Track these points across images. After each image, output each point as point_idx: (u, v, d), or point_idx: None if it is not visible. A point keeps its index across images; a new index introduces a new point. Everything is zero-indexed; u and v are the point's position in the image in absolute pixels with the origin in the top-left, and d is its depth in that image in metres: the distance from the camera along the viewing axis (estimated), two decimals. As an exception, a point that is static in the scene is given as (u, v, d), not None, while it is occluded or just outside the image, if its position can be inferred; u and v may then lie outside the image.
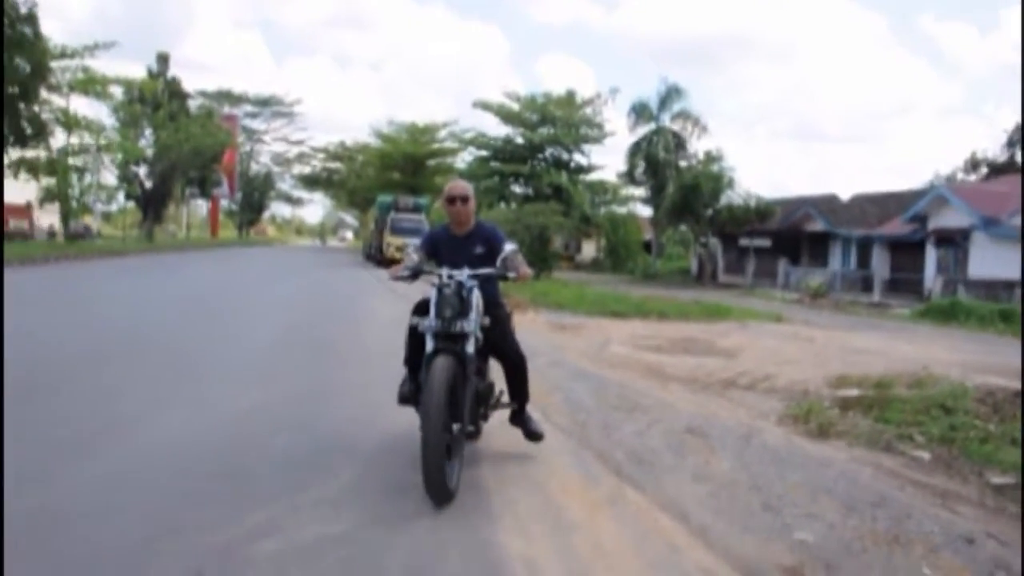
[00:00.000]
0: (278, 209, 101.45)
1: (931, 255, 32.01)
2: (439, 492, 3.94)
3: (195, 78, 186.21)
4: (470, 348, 4.36)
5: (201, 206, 74.83)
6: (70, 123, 32.38)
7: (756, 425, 6.34)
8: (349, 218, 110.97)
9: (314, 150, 74.05)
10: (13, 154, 28.84)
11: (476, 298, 4.46)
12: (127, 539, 3.38)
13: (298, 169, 78.46)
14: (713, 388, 8.08)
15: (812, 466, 5.14)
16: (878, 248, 35.36)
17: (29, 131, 26.15)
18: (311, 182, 76.39)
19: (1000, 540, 3.94)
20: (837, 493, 4.56)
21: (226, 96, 73.13)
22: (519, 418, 5.03)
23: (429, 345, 4.33)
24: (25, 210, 35.28)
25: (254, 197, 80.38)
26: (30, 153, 29.09)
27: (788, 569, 3.47)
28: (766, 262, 38.23)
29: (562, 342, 11.29)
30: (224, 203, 75.57)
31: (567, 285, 23.69)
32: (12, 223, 34.03)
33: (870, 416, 6.77)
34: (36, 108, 26.58)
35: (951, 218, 30.72)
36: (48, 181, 34.30)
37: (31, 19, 24.76)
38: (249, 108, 76.16)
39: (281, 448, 4.95)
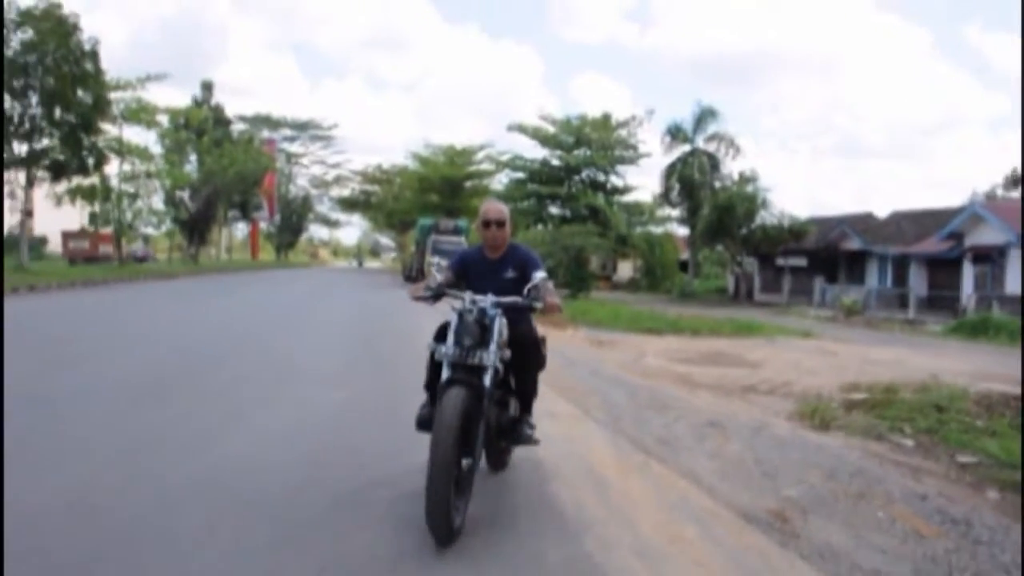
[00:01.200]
0: (315, 231, 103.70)
1: (968, 272, 32.74)
2: (441, 529, 3.76)
3: (230, 102, 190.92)
4: (488, 381, 4.17)
5: (240, 229, 77.16)
6: (123, 151, 34.31)
7: (768, 420, 7.51)
8: (385, 239, 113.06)
9: (353, 173, 76.15)
10: (65, 183, 30.59)
11: (499, 327, 4.28)
12: (281, 487, 4.66)
13: (336, 191, 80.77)
14: (735, 393, 9.24)
15: (809, 449, 6.31)
16: (915, 266, 36.09)
17: (90, 160, 27.99)
18: (349, 204, 78.48)
19: (948, 498, 5.08)
20: (824, 467, 5.73)
21: (264, 120, 75.69)
22: (517, 420, 4.78)
23: (445, 373, 4.19)
24: (108, 237, 37.65)
25: (292, 219, 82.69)
26: (85, 180, 30.90)
27: (772, 511, 4.66)
28: (802, 280, 39.13)
29: (600, 355, 12.49)
30: (263, 225, 77.89)
31: (604, 304, 24.87)
32: (101, 248, 37.42)
33: (871, 414, 7.89)
34: (95, 139, 28.38)
35: (987, 235, 31.47)
36: (100, 207, 36.40)
37: (93, 56, 26.70)
38: (287, 132, 78.74)
39: (373, 432, 6.21)
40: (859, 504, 4.87)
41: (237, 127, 62.11)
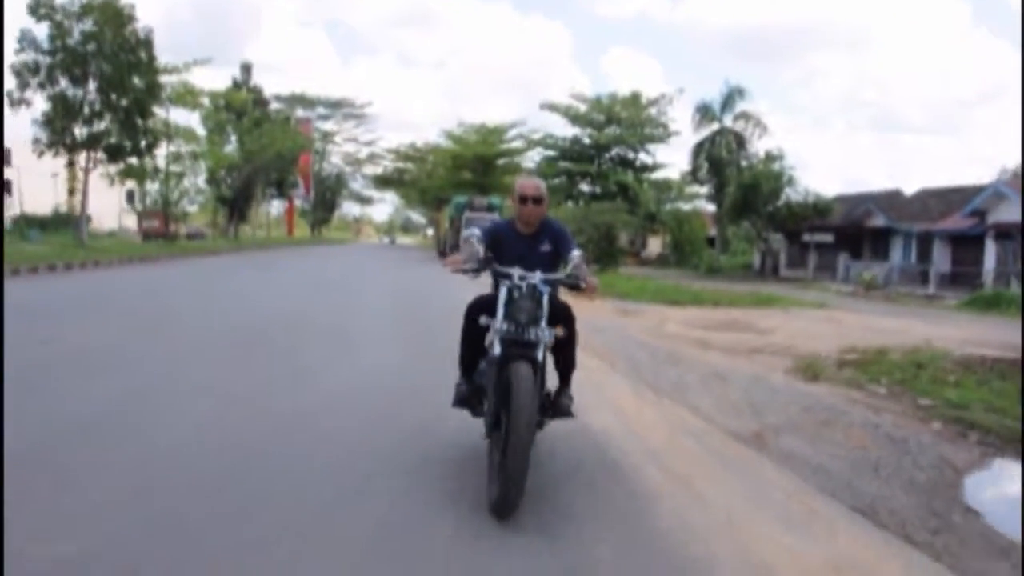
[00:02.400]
0: (348, 208, 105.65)
1: (990, 249, 33.59)
2: (513, 504, 3.88)
3: (262, 79, 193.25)
4: (541, 355, 4.23)
5: (275, 206, 79.13)
6: (171, 133, 35.99)
7: (766, 374, 8.88)
8: (417, 216, 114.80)
9: (386, 151, 77.68)
10: (120, 164, 32.30)
11: (547, 303, 4.30)
12: (361, 422, 6.10)
13: (369, 169, 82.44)
14: (743, 353, 10.60)
15: (795, 394, 7.68)
16: (938, 242, 36.94)
17: (143, 144, 29.67)
18: (383, 182, 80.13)
19: (897, 427, 6.44)
20: (803, 405, 7.11)
21: (299, 100, 77.27)
22: (558, 394, 4.76)
23: (497, 349, 4.20)
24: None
25: (326, 197, 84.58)
26: (138, 162, 32.61)
27: (753, 431, 6.07)
28: (827, 257, 40.13)
29: (625, 323, 13.88)
30: (298, 203, 79.79)
31: (632, 279, 26.18)
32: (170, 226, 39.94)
33: (857, 370, 9.22)
34: (149, 122, 30.03)
35: (1009, 212, 32.26)
36: (148, 186, 38.32)
37: (147, 44, 28.29)
38: (322, 111, 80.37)
39: (427, 382, 7.60)
40: (823, 429, 6.26)
41: (274, 107, 63.76)
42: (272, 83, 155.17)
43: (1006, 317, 20.26)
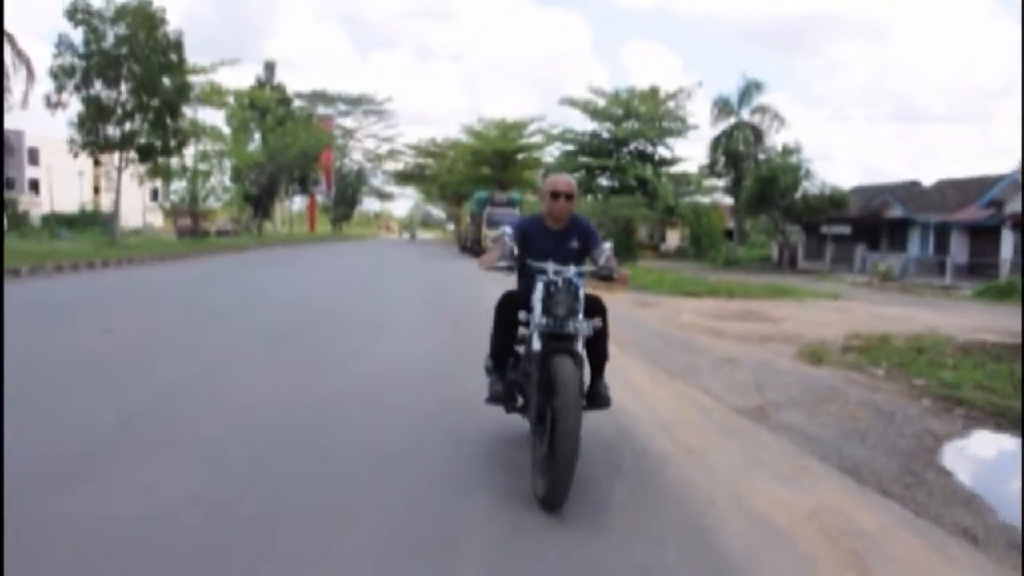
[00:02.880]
0: (368, 204, 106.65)
1: (1007, 239, 33.88)
2: (562, 497, 3.96)
3: (280, 74, 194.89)
4: (579, 348, 4.31)
5: (296, 202, 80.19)
6: (198, 132, 36.92)
7: (774, 359, 9.49)
8: (436, 211, 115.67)
9: (406, 147, 78.49)
10: (151, 164, 33.21)
11: (583, 296, 4.39)
12: (401, 397, 6.79)
13: (390, 165, 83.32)
14: (754, 341, 11.21)
15: (798, 376, 8.30)
16: (956, 233, 37.23)
17: (173, 143, 30.57)
18: (404, 177, 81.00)
19: (889, 403, 7.05)
20: (805, 385, 7.73)
21: (320, 96, 78.21)
22: (594, 387, 4.81)
23: (536, 344, 4.26)
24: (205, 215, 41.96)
25: (347, 193, 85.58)
26: (169, 161, 33.58)
27: (756, 407, 6.71)
28: (845, 248, 40.50)
29: (642, 313, 14.51)
30: (319, 199, 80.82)
31: (650, 271, 26.75)
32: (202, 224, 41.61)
33: (860, 355, 9.82)
34: (179, 122, 30.93)
35: (1025, 203, 32.56)
36: (177, 184, 39.33)
37: (178, 46, 29.16)
38: (342, 107, 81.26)
39: (456, 365, 8.27)
40: (820, 404, 6.89)
41: (295, 104, 64.68)
42: (291, 79, 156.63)
43: (1019, 306, 20.71)
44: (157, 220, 65.01)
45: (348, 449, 4.98)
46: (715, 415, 6.45)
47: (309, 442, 5.11)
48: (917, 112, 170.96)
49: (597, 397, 4.74)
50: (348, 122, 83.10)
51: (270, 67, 53.57)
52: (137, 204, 62.29)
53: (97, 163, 46.17)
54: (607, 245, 4.86)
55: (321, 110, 75.37)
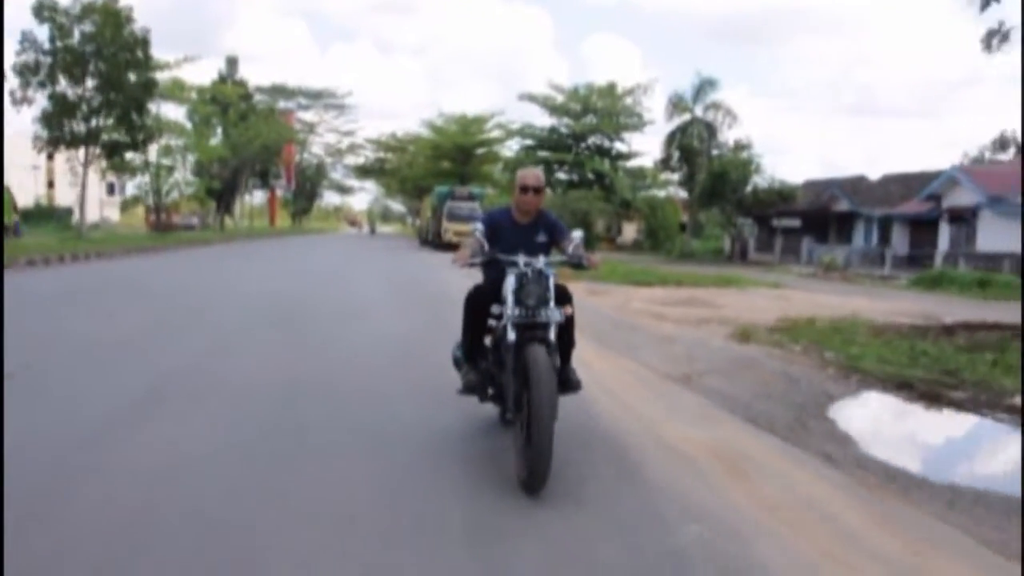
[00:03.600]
0: (328, 198, 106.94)
1: (944, 231, 35.80)
2: (542, 480, 4.10)
3: (240, 68, 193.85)
4: (552, 336, 4.46)
5: (257, 196, 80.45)
6: (161, 128, 37.48)
7: (708, 338, 10.75)
8: (396, 205, 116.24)
9: (367, 141, 79.15)
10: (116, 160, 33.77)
11: (553, 286, 4.56)
12: (386, 364, 7.92)
13: (350, 159, 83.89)
14: (693, 323, 12.47)
15: (727, 351, 9.56)
16: (898, 226, 39.14)
17: (140, 139, 31.23)
18: (364, 172, 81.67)
19: (799, 372, 8.32)
20: (730, 358, 8.99)
21: (281, 90, 78.47)
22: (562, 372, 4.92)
23: (511, 335, 4.43)
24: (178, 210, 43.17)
25: (307, 187, 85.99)
26: (135, 157, 34.18)
27: (684, 374, 7.94)
28: (794, 241, 42.28)
29: (594, 301, 15.73)
30: (279, 193, 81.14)
31: (606, 263, 27.99)
32: (174, 219, 43.31)
33: (785, 334, 11.11)
34: (145, 119, 31.55)
35: (962, 197, 34.45)
36: (140, 179, 39.89)
37: (144, 43, 29.80)
38: (303, 101, 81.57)
39: (430, 342, 9.43)
40: (739, 372, 8.15)
41: (256, 98, 65.06)
42: (250, 73, 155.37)
43: (946, 294, 22.32)
44: (114, 214, 65.11)
45: (352, 397, 6.19)
46: (648, 380, 7.67)
47: (315, 396, 6.26)
48: (876, 106, 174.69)
49: (567, 382, 4.91)
50: (309, 116, 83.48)
51: (232, 62, 54.14)
52: (94, 198, 62.35)
53: (51, 157, 46.42)
54: (577, 233, 5.07)
55: (282, 104, 75.73)
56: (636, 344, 10.01)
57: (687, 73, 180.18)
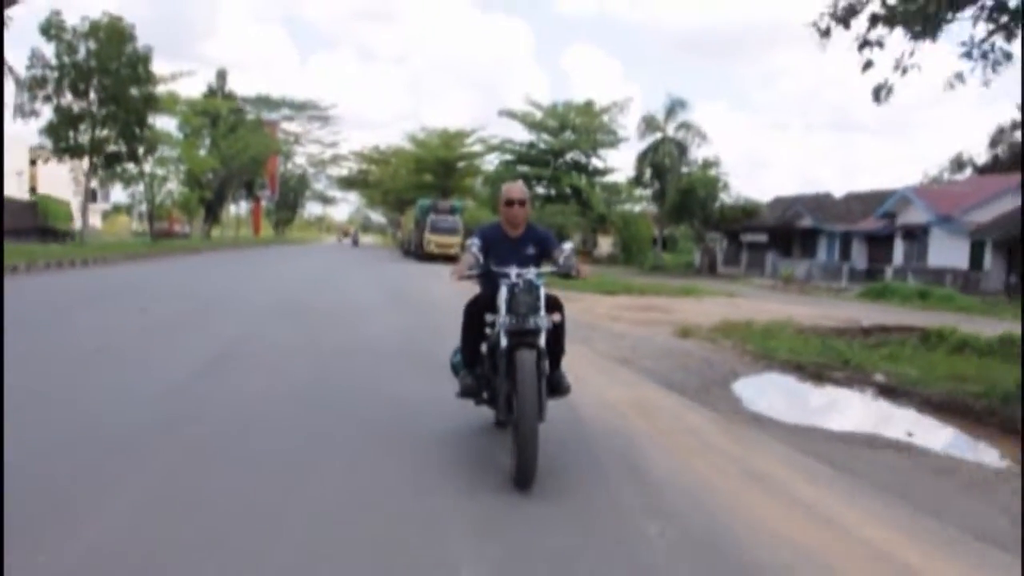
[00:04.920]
0: (311, 208, 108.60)
1: (899, 247, 38.28)
2: (530, 475, 4.37)
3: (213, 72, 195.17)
4: (542, 342, 4.74)
5: (241, 206, 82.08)
6: (159, 140, 39.27)
7: (654, 335, 12.83)
8: (376, 216, 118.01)
9: (351, 153, 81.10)
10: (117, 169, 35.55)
11: (543, 295, 4.82)
12: (391, 350, 9.92)
13: (334, 171, 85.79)
14: (645, 324, 14.56)
15: (666, 344, 11.63)
16: (856, 242, 41.62)
17: (141, 150, 33.09)
18: (347, 183, 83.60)
19: (720, 358, 10.39)
20: (667, 348, 11.06)
21: (265, 101, 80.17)
22: (553, 376, 5.20)
23: (504, 341, 4.70)
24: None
25: (290, 197, 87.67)
26: (135, 168, 35.98)
27: (626, 358, 10.00)
28: (760, 255, 44.69)
29: (564, 306, 17.76)
30: (263, 203, 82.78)
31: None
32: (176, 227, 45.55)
33: (719, 333, 13.19)
34: (146, 131, 33.39)
35: (915, 216, 36.95)
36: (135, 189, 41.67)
37: (145, 60, 31.70)
38: (287, 112, 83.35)
39: (426, 334, 11.45)
40: (670, 357, 10.22)
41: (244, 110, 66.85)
42: (232, 81, 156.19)
43: (890, 304, 24.58)
44: (96, 221, 66.57)
45: (367, 366, 8.12)
46: (597, 362, 9.72)
47: (341, 363, 8.24)
48: (850, 123, 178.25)
49: (556, 386, 5.23)
50: (293, 127, 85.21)
51: (222, 75, 56.04)
52: (75, 205, 63.83)
53: (33, 163, 48.25)
54: (567, 245, 5.42)
55: (267, 115, 77.45)
56: (593, 338, 12.04)
57: (667, 85, 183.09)
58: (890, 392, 8.49)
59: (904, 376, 8.99)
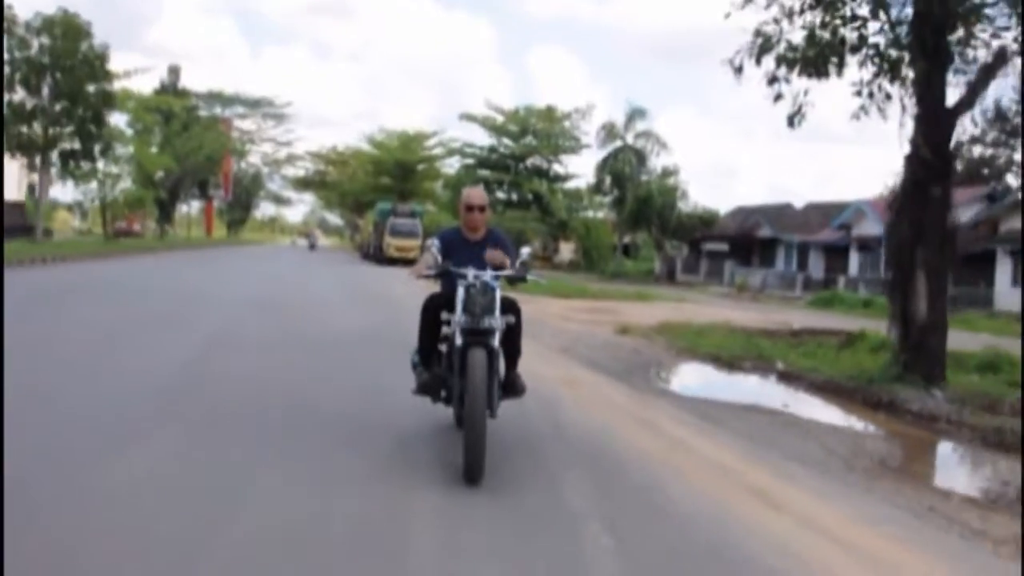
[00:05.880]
0: (264, 208, 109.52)
1: (854, 258, 40.75)
2: (479, 470, 4.73)
3: (165, 66, 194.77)
4: (496, 342, 5.02)
5: (193, 206, 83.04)
6: (113, 137, 40.55)
7: (596, 331, 14.73)
8: (333, 218, 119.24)
9: (308, 153, 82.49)
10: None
11: (499, 296, 5.09)
12: (359, 338, 11.70)
13: (289, 171, 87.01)
14: (590, 323, 16.47)
15: (604, 339, 13.54)
16: (814, 252, 44.10)
17: (99, 148, 34.45)
18: (303, 184, 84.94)
19: (650, 350, 12.31)
20: (604, 342, 12.97)
21: (217, 97, 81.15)
22: (508, 377, 5.56)
23: (459, 340, 5.00)
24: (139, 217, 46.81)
25: (243, 197, 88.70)
26: (88, 165, 37.26)
27: (564, 348, 11.89)
28: (720, 263, 47.06)
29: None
30: (216, 203, 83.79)
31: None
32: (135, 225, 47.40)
33: (656, 332, 15.13)
34: (103, 129, 34.74)
35: (869, 227, 39.38)
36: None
37: (102, 58, 33.09)
38: (240, 109, 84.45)
39: (385, 331, 13.20)
40: (605, 349, 12.13)
41: (194, 103, 67.88)
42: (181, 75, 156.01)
43: (835, 312, 26.79)
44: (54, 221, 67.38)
45: (339, 354, 9.88)
46: (541, 352, 11.55)
47: (316, 352, 9.98)
48: (822, 132, 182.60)
49: (511, 386, 5.55)
50: (246, 124, 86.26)
51: (174, 71, 57.33)
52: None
53: (46, 169, 49.24)
54: (526, 250, 5.71)
55: (219, 111, 78.53)
56: (541, 334, 13.89)
57: (634, 89, 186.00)
58: (786, 377, 10.50)
59: (800, 365, 10.99)
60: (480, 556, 3.76)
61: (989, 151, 52.22)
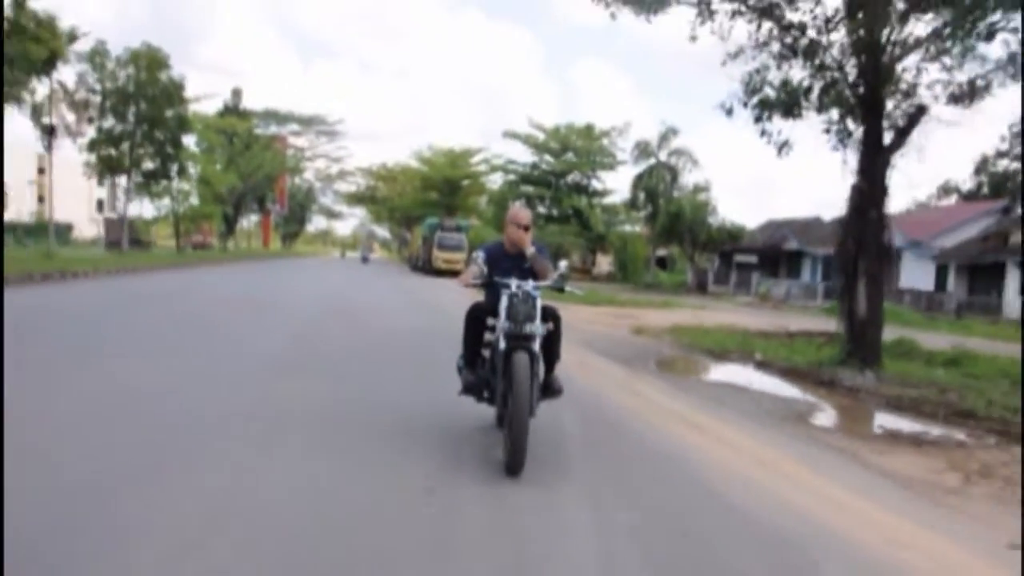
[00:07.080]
0: (316, 222, 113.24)
1: (876, 270, 42.47)
2: (520, 464, 5.10)
3: (218, 82, 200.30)
4: (536, 347, 5.41)
5: (251, 220, 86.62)
6: (187, 158, 43.81)
7: (615, 331, 17.09)
8: (382, 232, 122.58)
9: (359, 170, 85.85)
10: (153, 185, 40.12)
11: (540, 305, 5.47)
12: (412, 335, 14.20)
13: (341, 186, 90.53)
14: (611, 325, 18.82)
15: (621, 337, 15.91)
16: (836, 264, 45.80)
17: (175, 169, 37.67)
18: (355, 199, 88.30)
19: (658, 346, 14.66)
20: (618, 339, 15.36)
21: (273, 115, 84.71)
22: (547, 379, 5.96)
23: (502, 344, 5.36)
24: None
25: (297, 211, 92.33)
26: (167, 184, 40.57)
27: (585, 342, 14.31)
28: (749, 275, 49.03)
29: (552, 312, 22.10)
30: (272, 217, 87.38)
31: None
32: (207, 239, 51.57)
33: (668, 333, 17.45)
34: (180, 151, 37.96)
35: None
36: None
37: (179, 86, 36.29)
38: (294, 127, 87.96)
39: (436, 326, 15.66)
40: (618, 344, 14.51)
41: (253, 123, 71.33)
42: (228, 86, 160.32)
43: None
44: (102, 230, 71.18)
45: (396, 344, 12.40)
46: (563, 344, 13.98)
47: (382, 341, 12.50)
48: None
49: (549, 388, 5.95)
50: (300, 141, 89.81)
51: (237, 93, 60.87)
52: (84, 215, 68.27)
53: (41, 171, 53.10)
54: (564, 263, 6.13)
55: (274, 128, 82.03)
56: (565, 331, 16.21)
57: (679, 101, 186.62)
58: (761, 364, 12.80)
59: (775, 356, 13.30)
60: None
61: (1014, 164, 53.87)
